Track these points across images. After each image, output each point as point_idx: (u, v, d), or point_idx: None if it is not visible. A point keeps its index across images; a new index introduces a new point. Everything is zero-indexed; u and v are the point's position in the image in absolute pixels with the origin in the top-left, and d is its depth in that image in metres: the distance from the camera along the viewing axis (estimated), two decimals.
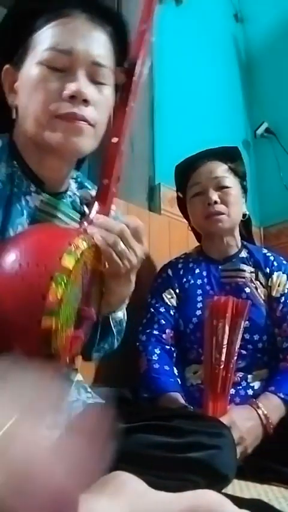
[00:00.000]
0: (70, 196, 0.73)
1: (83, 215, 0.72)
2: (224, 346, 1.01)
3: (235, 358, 1.02)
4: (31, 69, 0.62)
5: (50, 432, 0.67)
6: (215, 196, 1.19)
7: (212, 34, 2.28)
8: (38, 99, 0.61)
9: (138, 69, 0.67)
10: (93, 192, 0.74)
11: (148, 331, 1.17)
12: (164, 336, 1.17)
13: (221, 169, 1.22)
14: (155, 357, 1.11)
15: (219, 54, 2.32)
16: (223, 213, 1.19)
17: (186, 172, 1.27)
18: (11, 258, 0.53)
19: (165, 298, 1.22)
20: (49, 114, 0.61)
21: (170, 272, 1.27)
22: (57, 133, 0.61)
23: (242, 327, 1.03)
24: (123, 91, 0.67)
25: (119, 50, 0.68)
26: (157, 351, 1.13)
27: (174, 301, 1.22)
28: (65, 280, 0.51)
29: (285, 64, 2.27)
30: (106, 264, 0.62)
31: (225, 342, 1.01)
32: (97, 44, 0.63)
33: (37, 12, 0.62)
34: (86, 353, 0.73)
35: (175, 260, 1.32)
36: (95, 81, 0.63)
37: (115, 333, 0.77)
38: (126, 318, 0.83)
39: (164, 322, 1.18)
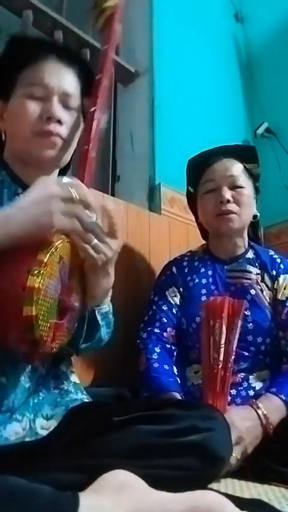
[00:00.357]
0: None
1: None
2: (221, 346, 1.01)
3: (233, 357, 1.01)
4: (17, 100, 0.80)
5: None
6: (228, 194, 1.17)
7: (212, 34, 2.29)
8: (23, 122, 0.79)
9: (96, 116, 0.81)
10: None
11: (149, 328, 1.17)
12: (165, 334, 1.16)
13: (236, 168, 1.21)
14: (154, 356, 1.10)
15: (219, 54, 2.32)
16: (235, 213, 1.18)
17: (200, 168, 1.25)
18: None
19: (168, 296, 1.22)
20: (31, 132, 0.78)
21: (174, 270, 1.26)
22: (37, 148, 0.79)
23: (239, 326, 1.03)
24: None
25: (85, 84, 0.86)
26: (157, 349, 1.12)
27: (177, 300, 1.21)
28: (41, 272, 0.57)
29: (285, 64, 2.27)
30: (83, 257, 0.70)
31: (222, 341, 1.01)
32: (66, 79, 0.82)
33: (21, 57, 0.81)
34: (75, 345, 0.79)
35: (180, 257, 1.31)
36: (66, 106, 0.81)
37: (103, 325, 0.84)
38: (112, 310, 0.89)
39: (165, 320, 1.18)
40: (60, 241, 0.62)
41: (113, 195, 1.71)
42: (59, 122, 0.79)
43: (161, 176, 1.72)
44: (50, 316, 0.61)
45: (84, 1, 1.98)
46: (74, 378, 0.83)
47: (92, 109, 0.79)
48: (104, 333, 0.86)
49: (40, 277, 0.57)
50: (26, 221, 0.60)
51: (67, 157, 0.85)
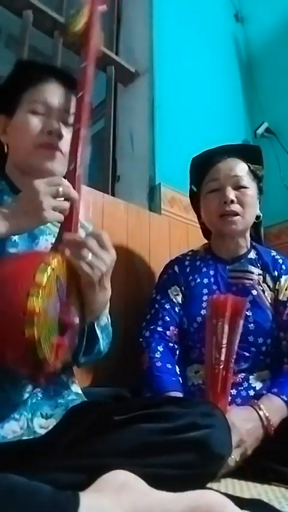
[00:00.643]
0: None
1: None
2: (223, 346, 1.01)
3: (234, 357, 1.01)
4: (21, 115, 0.87)
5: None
6: (232, 195, 1.16)
7: (213, 34, 2.29)
8: (26, 135, 0.85)
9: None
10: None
11: (152, 327, 1.17)
12: (168, 332, 1.16)
13: (240, 168, 1.20)
14: (157, 355, 1.10)
15: (219, 54, 2.32)
16: (238, 214, 1.17)
17: (204, 167, 1.24)
18: None
19: (170, 294, 1.21)
20: (33, 145, 0.85)
21: (176, 269, 1.26)
22: (38, 159, 0.85)
23: (241, 326, 1.03)
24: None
25: None
26: (160, 348, 1.12)
27: (179, 298, 1.21)
28: (40, 294, 0.58)
29: (285, 64, 2.27)
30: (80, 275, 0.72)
31: (224, 341, 1.01)
32: (65, 99, 0.90)
33: (26, 79, 0.90)
34: (75, 359, 0.81)
35: (182, 257, 1.31)
36: (65, 123, 0.88)
37: (103, 338, 0.87)
38: (110, 321, 0.92)
39: (168, 319, 1.18)
40: (55, 260, 0.63)
41: (113, 195, 1.71)
42: (59, 136, 0.86)
43: (161, 176, 1.72)
44: (52, 336, 0.61)
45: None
46: (75, 388, 0.84)
47: (77, 127, 0.83)
48: (103, 344, 0.88)
49: (39, 299, 0.58)
50: (19, 217, 0.69)
51: (64, 169, 0.91)
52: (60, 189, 0.71)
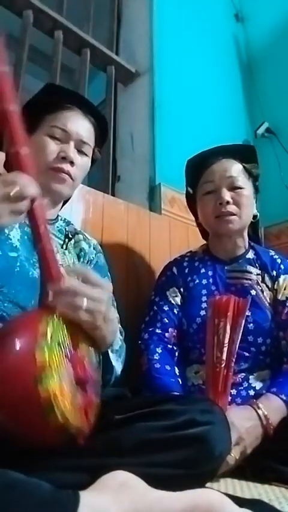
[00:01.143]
0: (57, 226, 1.01)
1: (67, 237, 1.00)
2: (225, 345, 1.01)
3: (235, 356, 1.01)
4: (39, 136, 0.93)
5: None
6: (227, 196, 1.16)
7: (213, 34, 2.29)
8: (42, 156, 0.90)
9: None
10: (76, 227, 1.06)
11: (151, 329, 1.17)
12: (166, 334, 1.16)
13: (235, 169, 1.19)
14: (156, 356, 1.10)
15: (220, 54, 2.32)
16: (234, 214, 1.17)
17: (199, 168, 1.24)
18: None
19: (169, 296, 1.21)
20: (46, 166, 0.90)
21: (174, 270, 1.26)
22: (48, 180, 0.91)
23: (242, 326, 1.03)
24: None
25: (99, 135, 1.02)
26: (159, 350, 1.12)
27: (178, 300, 1.21)
28: (48, 375, 0.55)
29: (285, 64, 2.27)
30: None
31: (226, 341, 1.01)
32: (83, 128, 0.96)
33: (52, 102, 0.96)
34: None
35: (180, 258, 1.31)
36: (80, 151, 0.95)
37: (117, 360, 0.85)
38: (123, 335, 0.92)
39: (167, 320, 1.18)
40: (49, 326, 0.59)
41: (113, 195, 1.71)
42: (72, 163, 0.92)
43: (161, 176, 1.72)
44: (75, 402, 0.59)
45: (84, 1, 1.99)
46: None
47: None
48: (119, 368, 0.86)
49: (50, 381, 0.54)
50: None
51: (71, 192, 0.99)
52: (16, 189, 0.62)
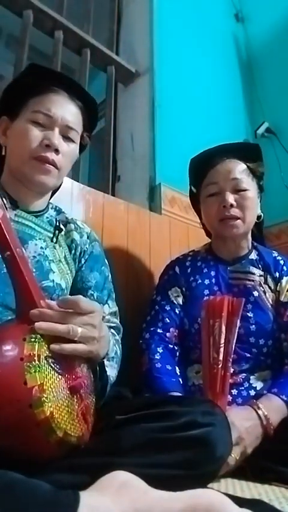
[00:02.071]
0: (47, 217, 0.95)
1: (57, 228, 0.94)
2: (221, 346, 1.00)
3: (232, 357, 1.01)
4: (22, 122, 0.86)
5: None
6: (231, 199, 1.15)
7: (213, 34, 2.29)
8: (23, 144, 0.84)
9: None
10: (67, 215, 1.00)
11: (152, 329, 1.17)
12: (167, 334, 1.16)
13: (239, 170, 1.17)
14: (157, 356, 1.10)
15: (220, 53, 2.32)
16: (238, 218, 1.16)
17: (203, 168, 1.22)
18: None
19: (171, 296, 1.21)
20: (29, 155, 0.84)
21: (177, 269, 1.26)
22: (32, 171, 0.85)
23: (237, 325, 1.02)
24: None
25: (87, 119, 0.94)
26: (160, 349, 1.12)
27: (180, 300, 1.20)
28: (43, 395, 0.55)
29: (285, 64, 2.27)
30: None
31: (222, 341, 1.00)
32: (70, 112, 0.88)
33: (35, 85, 0.88)
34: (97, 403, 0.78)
35: (182, 257, 1.30)
36: (65, 137, 0.88)
37: (113, 367, 0.85)
38: (120, 333, 0.93)
39: (168, 320, 1.17)
40: (34, 345, 0.58)
41: (113, 195, 1.71)
42: (56, 150, 0.85)
43: (162, 176, 1.72)
44: (73, 412, 0.60)
45: (84, 1, 1.99)
46: None
47: None
48: (114, 375, 0.86)
49: (45, 403, 0.55)
50: None
51: (58, 182, 0.93)
52: None
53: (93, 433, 0.66)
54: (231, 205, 1.15)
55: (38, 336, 0.60)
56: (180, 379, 1.09)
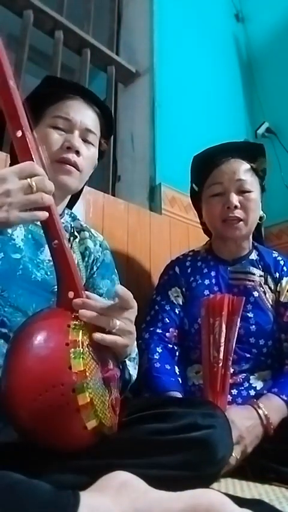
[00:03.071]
0: (63, 223, 0.93)
1: (72, 235, 0.96)
2: (221, 345, 1.00)
3: (232, 355, 1.01)
4: (42, 129, 0.89)
5: None
6: (235, 200, 1.14)
7: (213, 34, 2.29)
8: (45, 148, 0.85)
9: None
10: (82, 222, 1.02)
11: (151, 329, 1.17)
12: (167, 334, 1.16)
13: (243, 170, 1.17)
14: (156, 356, 1.10)
15: (220, 54, 2.32)
16: (241, 220, 1.15)
17: (207, 166, 1.21)
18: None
19: (171, 296, 1.21)
20: (51, 158, 0.85)
21: (177, 269, 1.25)
22: (55, 173, 0.84)
23: (237, 324, 1.02)
24: None
25: (104, 125, 0.97)
26: (159, 349, 1.12)
27: (180, 300, 1.20)
28: (86, 383, 0.56)
29: (286, 63, 2.27)
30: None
31: (222, 340, 1.00)
32: (88, 116, 0.92)
33: (53, 94, 0.92)
34: None
35: (182, 257, 1.30)
36: (85, 140, 0.90)
37: (135, 368, 0.86)
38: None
39: (168, 320, 1.17)
40: (79, 332, 0.60)
41: (113, 195, 1.71)
42: (77, 152, 0.87)
43: (162, 176, 1.72)
44: (107, 402, 0.61)
45: (84, 1, 1.99)
46: None
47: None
48: (135, 374, 0.86)
49: (87, 388, 0.56)
50: None
51: (80, 185, 0.93)
52: (34, 183, 0.60)
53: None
54: (236, 207, 1.14)
55: (82, 323, 0.62)
56: (180, 379, 1.09)
